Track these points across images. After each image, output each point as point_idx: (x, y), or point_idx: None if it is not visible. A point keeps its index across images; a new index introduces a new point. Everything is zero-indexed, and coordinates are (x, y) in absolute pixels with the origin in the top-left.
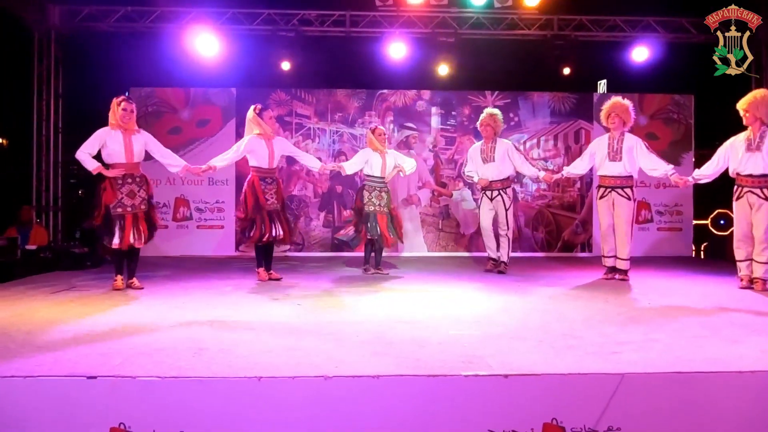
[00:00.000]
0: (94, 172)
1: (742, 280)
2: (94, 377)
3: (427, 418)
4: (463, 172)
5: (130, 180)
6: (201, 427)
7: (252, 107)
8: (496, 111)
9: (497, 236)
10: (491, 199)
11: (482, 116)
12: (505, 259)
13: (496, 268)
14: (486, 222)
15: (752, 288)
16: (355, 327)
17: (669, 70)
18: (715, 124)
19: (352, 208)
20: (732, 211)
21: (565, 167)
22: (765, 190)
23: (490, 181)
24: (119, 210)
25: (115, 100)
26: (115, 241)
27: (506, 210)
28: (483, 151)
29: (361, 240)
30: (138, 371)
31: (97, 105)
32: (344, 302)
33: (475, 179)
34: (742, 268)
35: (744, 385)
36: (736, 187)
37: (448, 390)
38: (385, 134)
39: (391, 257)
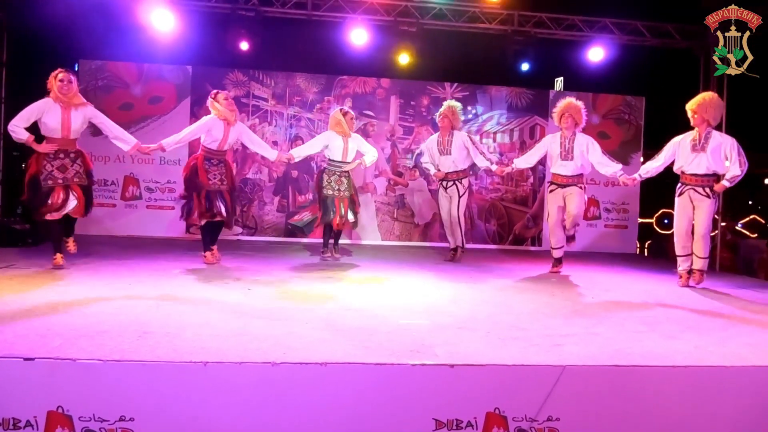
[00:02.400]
0: (27, 142)
1: (681, 277)
2: (32, 359)
3: (374, 406)
4: (420, 163)
5: (62, 155)
6: (144, 412)
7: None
8: (456, 104)
9: (451, 224)
10: (446, 189)
11: (442, 108)
12: (459, 242)
13: (455, 257)
14: (445, 212)
15: (689, 286)
16: (305, 314)
17: (623, 72)
18: (664, 126)
19: (314, 193)
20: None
21: (515, 159)
22: (707, 189)
23: (446, 173)
24: (50, 183)
25: (53, 73)
26: (44, 213)
27: (459, 198)
28: (440, 143)
29: (316, 224)
30: (78, 354)
31: (44, 76)
32: (295, 288)
33: (431, 171)
34: (681, 263)
35: (678, 379)
36: (679, 184)
37: (394, 378)
38: (355, 119)
39: (343, 245)
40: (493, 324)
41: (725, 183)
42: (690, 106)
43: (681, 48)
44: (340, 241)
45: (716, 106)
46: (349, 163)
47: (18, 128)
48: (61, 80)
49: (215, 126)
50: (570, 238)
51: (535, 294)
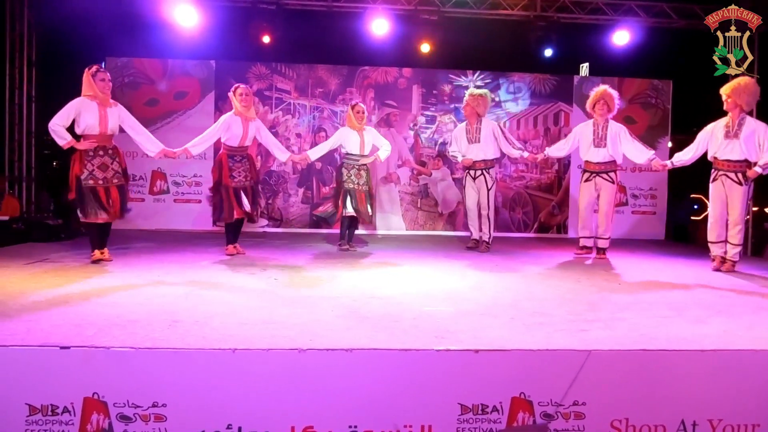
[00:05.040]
0: (66, 147)
1: (713, 260)
2: (68, 347)
3: (399, 391)
4: (448, 152)
5: (102, 152)
6: (175, 398)
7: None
8: (485, 91)
9: (479, 216)
10: (474, 179)
11: (470, 96)
12: (486, 238)
13: (477, 247)
14: (471, 202)
15: (722, 270)
16: (330, 302)
17: (649, 55)
18: (692, 110)
19: (335, 186)
20: (706, 197)
21: (547, 148)
22: (740, 175)
23: (474, 161)
24: (90, 182)
25: (87, 71)
26: (90, 215)
27: (488, 190)
28: (468, 131)
29: (338, 217)
30: (112, 342)
31: (72, 74)
32: (321, 278)
33: (459, 159)
34: (714, 249)
35: (706, 363)
36: (713, 170)
37: (419, 364)
38: (364, 112)
39: (369, 235)
40: (518, 310)
41: (757, 169)
42: (724, 90)
43: (708, 29)
44: (363, 232)
45: (751, 91)
46: (366, 156)
47: (59, 128)
48: (102, 80)
49: (234, 123)
50: (601, 251)
51: (560, 281)
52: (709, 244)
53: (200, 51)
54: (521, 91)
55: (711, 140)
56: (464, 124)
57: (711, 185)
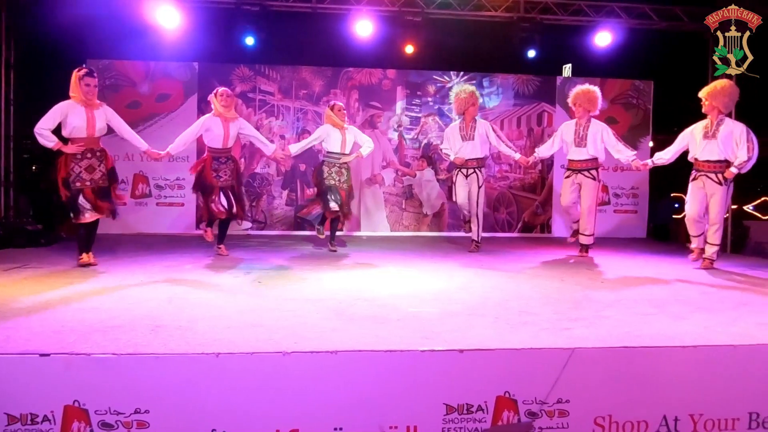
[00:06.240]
0: (54, 149)
1: (693, 252)
2: (48, 354)
3: (385, 392)
4: (440, 149)
5: (89, 155)
6: (158, 404)
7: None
8: (473, 88)
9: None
10: (466, 176)
11: (464, 95)
12: (476, 238)
13: (478, 250)
14: (462, 199)
15: (700, 260)
16: (316, 304)
17: (630, 56)
18: (673, 111)
19: (314, 185)
20: (685, 194)
21: (537, 149)
22: (720, 175)
23: (467, 159)
24: (78, 184)
25: (75, 73)
26: (82, 216)
27: (479, 188)
28: (462, 128)
29: (325, 218)
30: (93, 348)
31: (53, 76)
32: (305, 280)
33: (452, 157)
34: (695, 241)
35: (687, 359)
36: (693, 170)
37: (405, 365)
38: (343, 110)
39: (354, 237)
40: (503, 310)
41: (733, 170)
42: (702, 94)
43: (689, 30)
44: (348, 233)
45: (728, 93)
46: (347, 154)
47: (45, 131)
48: (87, 85)
49: (213, 124)
50: (583, 248)
51: (545, 280)
52: (691, 237)
53: (183, 53)
54: (494, 86)
55: (691, 141)
56: (458, 122)
57: (690, 184)
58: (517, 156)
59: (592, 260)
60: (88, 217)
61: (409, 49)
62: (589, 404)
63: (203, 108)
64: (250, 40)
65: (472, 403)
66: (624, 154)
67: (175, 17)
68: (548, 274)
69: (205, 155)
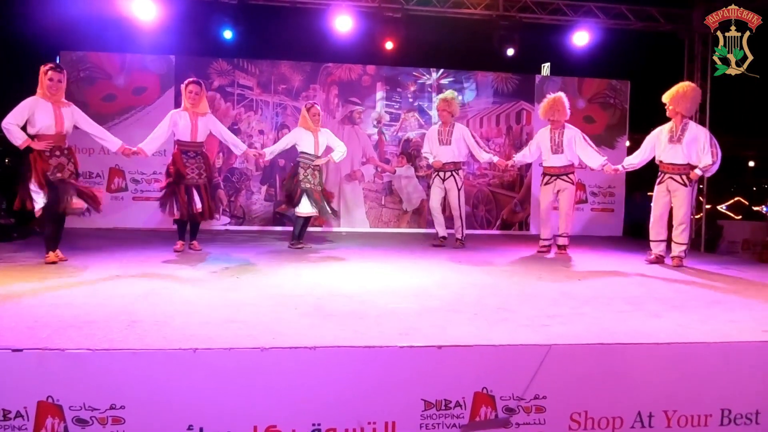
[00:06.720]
0: (22, 147)
1: (650, 254)
2: (20, 350)
3: (363, 388)
4: (422, 153)
5: (58, 152)
6: (134, 400)
7: None
8: (454, 94)
9: (444, 215)
10: (443, 180)
11: (436, 102)
12: (459, 236)
13: (443, 245)
14: (435, 202)
15: (659, 263)
16: (294, 300)
17: (608, 56)
18: (649, 110)
19: (283, 184)
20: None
21: (515, 155)
22: (684, 177)
23: (444, 163)
24: (58, 175)
25: (42, 68)
26: (68, 203)
27: (458, 190)
28: (440, 133)
29: (303, 227)
30: (67, 344)
31: (26, 69)
32: (284, 275)
33: (430, 160)
34: (654, 247)
35: (661, 356)
36: (659, 173)
37: (383, 361)
38: (319, 114)
39: (333, 232)
40: (481, 306)
41: (698, 172)
42: (665, 98)
43: (665, 31)
44: (325, 229)
45: (690, 98)
46: (320, 157)
47: (13, 126)
48: (50, 79)
49: (181, 118)
50: (561, 247)
51: (523, 277)
52: (650, 242)
53: (159, 46)
54: (469, 81)
55: (657, 144)
56: (437, 126)
57: (656, 186)
58: (495, 159)
59: (569, 258)
60: (75, 201)
61: (389, 45)
62: (566, 400)
63: (180, 102)
64: (228, 34)
65: (450, 399)
66: (594, 160)
67: (151, 9)
68: (526, 271)
69: (174, 149)
